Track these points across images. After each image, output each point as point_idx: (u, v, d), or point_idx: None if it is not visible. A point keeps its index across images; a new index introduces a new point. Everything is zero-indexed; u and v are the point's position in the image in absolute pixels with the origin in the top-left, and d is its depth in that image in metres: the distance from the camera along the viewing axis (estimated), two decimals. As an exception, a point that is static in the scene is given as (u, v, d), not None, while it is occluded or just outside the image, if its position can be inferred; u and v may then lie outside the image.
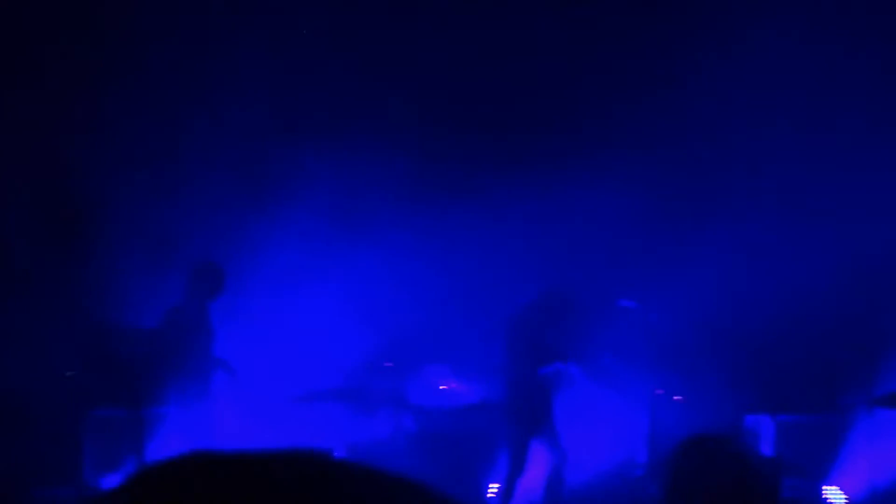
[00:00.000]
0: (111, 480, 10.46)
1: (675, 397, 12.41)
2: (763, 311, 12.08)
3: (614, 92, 13.07)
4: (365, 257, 12.59)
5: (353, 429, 12.36)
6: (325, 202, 12.52)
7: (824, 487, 11.93)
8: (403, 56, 13.00)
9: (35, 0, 12.51)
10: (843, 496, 11.82)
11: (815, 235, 12.31)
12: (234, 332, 11.30)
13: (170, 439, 10.40)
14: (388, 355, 12.99)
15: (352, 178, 12.70)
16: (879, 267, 12.18)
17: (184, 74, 12.69)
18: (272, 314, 12.37)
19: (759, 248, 12.55)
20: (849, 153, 12.34)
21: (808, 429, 12.19)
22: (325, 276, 12.53)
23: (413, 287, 12.91)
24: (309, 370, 12.19)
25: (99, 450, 11.22)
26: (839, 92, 12.51)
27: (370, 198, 12.83)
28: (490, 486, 12.03)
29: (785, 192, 12.70)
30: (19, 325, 11.69)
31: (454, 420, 12.69)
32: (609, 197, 12.05)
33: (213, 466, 2.09)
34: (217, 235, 12.05)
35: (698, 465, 4.26)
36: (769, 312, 12.08)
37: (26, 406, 10.85)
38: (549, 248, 12.62)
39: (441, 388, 13.11)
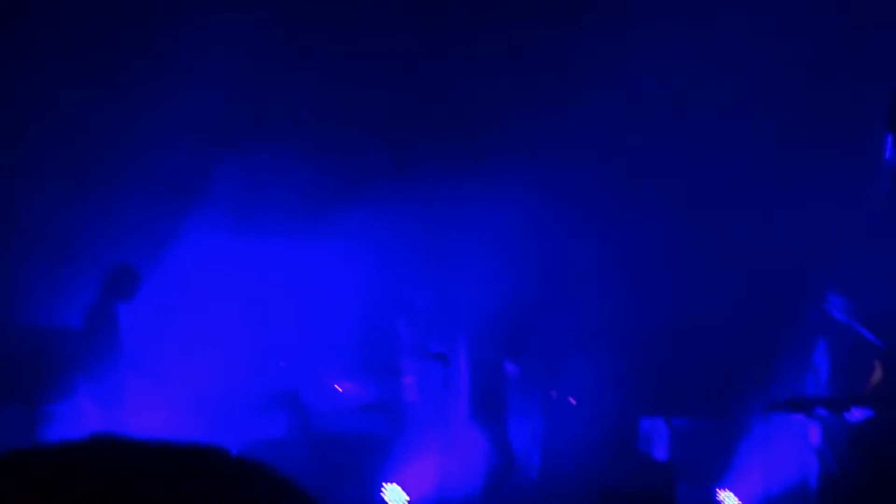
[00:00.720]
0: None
1: (570, 400, 12.20)
2: (659, 315, 11.91)
3: (511, 98, 12.99)
4: (263, 258, 12.53)
5: (246, 429, 12.05)
6: (225, 205, 12.40)
7: (719, 491, 11.89)
8: (299, 60, 12.83)
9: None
10: (737, 501, 11.79)
11: (713, 239, 12.25)
12: (138, 333, 11.30)
13: (65, 436, 10.21)
14: (281, 355, 12.73)
15: (250, 182, 12.61)
16: (776, 271, 12.12)
17: (87, 76, 12.50)
18: (174, 314, 12.21)
19: (656, 251, 12.37)
20: (746, 156, 12.22)
21: (702, 433, 12.15)
22: (224, 277, 12.40)
23: (308, 288, 12.74)
24: (207, 370, 11.95)
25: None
26: (733, 97, 12.41)
27: (268, 199, 12.71)
28: (384, 485, 11.81)
29: (681, 195, 12.51)
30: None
31: (348, 420, 12.54)
32: (503, 202, 11.87)
33: (103, 452, 2.14)
34: (121, 236, 12.00)
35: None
36: (665, 316, 11.91)
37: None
38: (444, 252, 12.49)
39: (336, 388, 12.84)
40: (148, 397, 11.14)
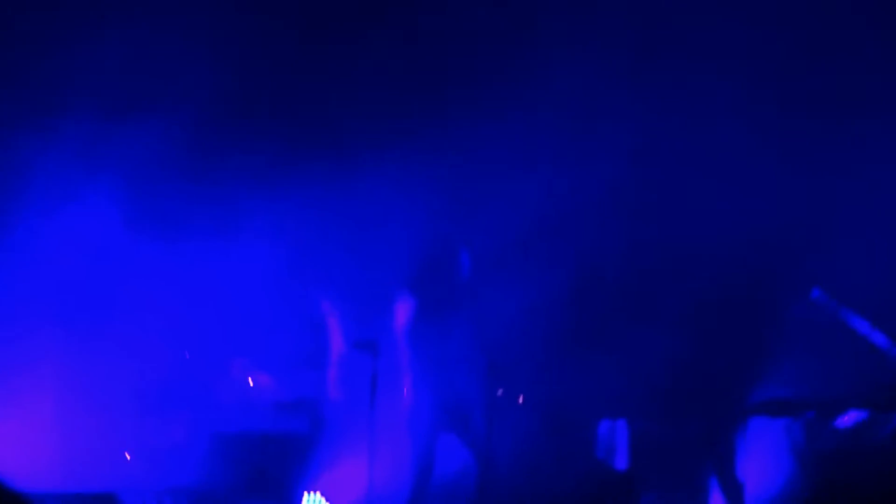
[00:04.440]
0: None
1: (519, 399, 10.91)
2: (624, 315, 10.89)
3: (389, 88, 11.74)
4: (159, 245, 11.34)
5: (146, 432, 11.04)
6: (111, 184, 11.18)
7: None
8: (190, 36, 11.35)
9: None
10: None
11: (697, 233, 10.91)
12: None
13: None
14: (185, 346, 11.31)
15: (139, 164, 11.27)
16: (756, 262, 10.83)
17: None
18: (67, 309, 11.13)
19: (626, 243, 11.15)
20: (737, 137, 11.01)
21: (668, 439, 10.85)
22: (117, 266, 11.27)
23: (216, 269, 11.40)
24: (100, 368, 11.00)
25: None
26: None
27: (156, 181, 11.37)
28: (304, 494, 10.63)
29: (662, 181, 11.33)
30: None
31: (262, 419, 11.24)
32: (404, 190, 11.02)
33: None
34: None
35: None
36: (630, 316, 10.88)
37: None
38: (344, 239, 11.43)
39: (249, 382, 11.30)
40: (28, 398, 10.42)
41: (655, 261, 11.03)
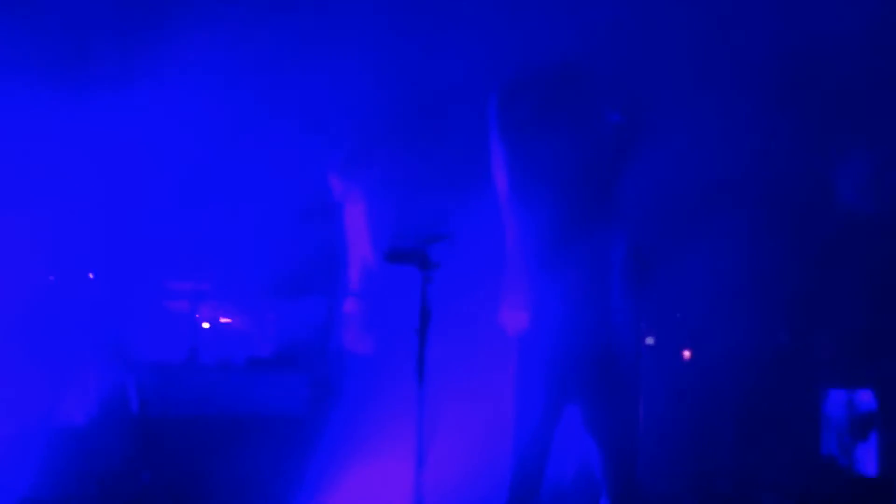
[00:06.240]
0: None
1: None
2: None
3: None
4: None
5: (51, 407, 6.82)
6: None
7: None
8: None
9: None
10: None
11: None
12: None
13: None
14: (88, 263, 6.90)
15: None
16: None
17: None
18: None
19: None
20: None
21: None
22: None
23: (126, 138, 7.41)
24: None
25: None
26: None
27: None
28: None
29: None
30: None
31: (227, 387, 6.94)
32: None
33: None
34: None
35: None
36: None
37: None
38: None
39: (203, 325, 6.93)
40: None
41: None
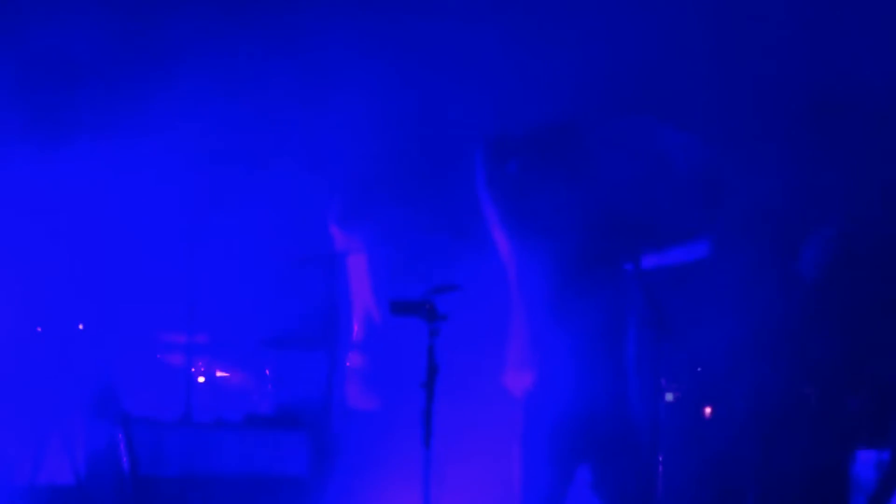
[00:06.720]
0: None
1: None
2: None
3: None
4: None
5: (37, 464, 6.38)
6: None
7: None
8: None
9: None
10: None
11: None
12: None
13: None
14: (80, 313, 6.59)
15: None
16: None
17: None
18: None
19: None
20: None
21: None
22: None
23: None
24: None
25: None
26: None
27: None
28: None
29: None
30: None
31: (224, 445, 6.63)
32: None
33: None
34: None
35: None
36: None
37: None
38: None
39: (198, 379, 6.73)
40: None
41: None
